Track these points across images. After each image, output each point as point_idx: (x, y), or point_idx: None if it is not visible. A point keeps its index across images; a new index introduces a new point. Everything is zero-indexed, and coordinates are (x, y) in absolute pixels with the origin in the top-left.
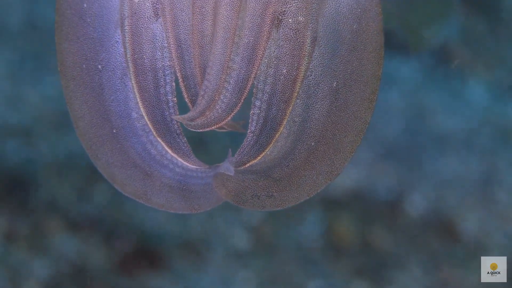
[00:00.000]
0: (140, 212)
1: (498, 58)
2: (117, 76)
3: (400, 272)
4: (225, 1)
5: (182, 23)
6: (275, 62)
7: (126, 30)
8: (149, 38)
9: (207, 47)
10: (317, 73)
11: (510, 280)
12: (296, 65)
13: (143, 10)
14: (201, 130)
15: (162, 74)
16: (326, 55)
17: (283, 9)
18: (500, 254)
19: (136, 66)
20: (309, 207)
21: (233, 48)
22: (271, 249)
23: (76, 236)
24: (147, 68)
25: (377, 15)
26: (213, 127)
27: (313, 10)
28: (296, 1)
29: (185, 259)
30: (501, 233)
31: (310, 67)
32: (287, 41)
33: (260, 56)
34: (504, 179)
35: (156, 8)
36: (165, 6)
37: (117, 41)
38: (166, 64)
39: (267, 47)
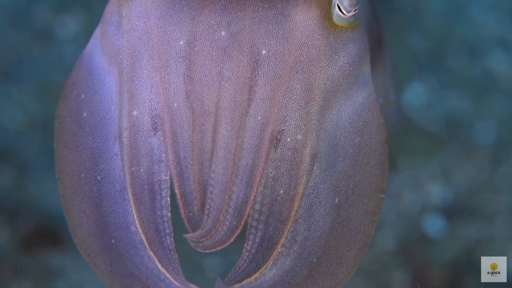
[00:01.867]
0: (43, 193)
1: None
2: (116, 189)
3: None
4: (225, 120)
5: (182, 140)
6: (271, 183)
7: (124, 142)
8: (146, 152)
9: (206, 164)
10: (319, 191)
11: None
12: (293, 185)
13: (141, 123)
14: (207, 251)
15: (158, 188)
16: (327, 171)
17: (282, 128)
18: (393, 232)
19: (133, 178)
20: None
21: (233, 169)
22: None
23: None
24: (143, 181)
25: (380, 126)
26: (218, 249)
27: (313, 127)
28: (295, 119)
29: None
30: (393, 212)
31: (312, 185)
32: (284, 162)
33: (259, 178)
34: None
35: (155, 122)
36: (165, 122)
37: (116, 154)
38: (162, 178)
39: (265, 168)
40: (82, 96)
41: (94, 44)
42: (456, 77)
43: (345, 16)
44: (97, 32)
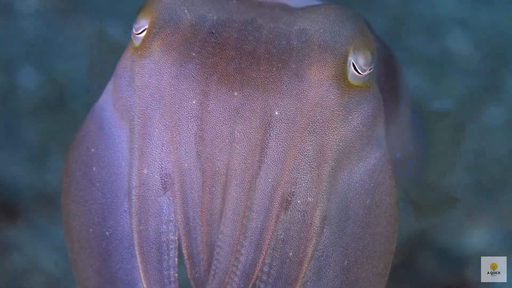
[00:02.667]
0: None
1: None
2: (125, 246)
3: None
4: (235, 182)
5: (191, 200)
6: (281, 245)
7: (133, 200)
8: (155, 211)
9: (215, 225)
10: (328, 253)
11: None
12: (303, 247)
13: (151, 182)
14: None
15: (166, 248)
16: (337, 234)
17: (293, 190)
18: None
19: (141, 237)
20: None
21: (242, 231)
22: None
23: None
24: (151, 240)
25: (391, 188)
26: None
27: (324, 189)
28: (306, 181)
29: (42, 211)
30: None
31: (321, 247)
32: (294, 224)
33: (268, 241)
34: None
35: (164, 181)
36: (175, 181)
37: (126, 211)
38: (170, 238)
39: (275, 230)
40: (92, 150)
41: (106, 99)
42: (414, 55)
43: (361, 75)
44: (109, 86)
